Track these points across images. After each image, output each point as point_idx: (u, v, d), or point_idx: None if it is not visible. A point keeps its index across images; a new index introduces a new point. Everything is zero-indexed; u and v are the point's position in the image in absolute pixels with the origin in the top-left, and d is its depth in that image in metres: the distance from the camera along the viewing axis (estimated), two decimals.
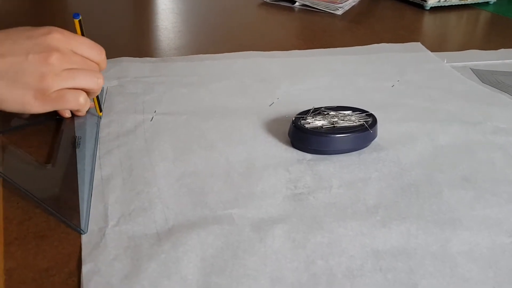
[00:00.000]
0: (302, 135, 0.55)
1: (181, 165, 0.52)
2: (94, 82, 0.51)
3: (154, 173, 0.50)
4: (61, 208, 0.43)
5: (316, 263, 0.40)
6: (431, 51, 0.90)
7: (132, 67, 0.74)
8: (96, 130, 0.56)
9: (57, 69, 0.47)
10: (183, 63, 0.78)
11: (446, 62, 0.86)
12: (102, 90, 0.62)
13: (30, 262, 0.38)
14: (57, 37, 0.48)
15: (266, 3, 1.21)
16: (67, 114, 0.58)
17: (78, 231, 0.41)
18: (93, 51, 0.52)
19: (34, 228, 0.41)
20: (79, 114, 0.58)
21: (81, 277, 0.37)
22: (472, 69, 0.84)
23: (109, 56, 0.77)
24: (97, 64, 0.53)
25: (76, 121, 0.57)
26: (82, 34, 0.54)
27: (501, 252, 0.42)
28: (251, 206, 0.46)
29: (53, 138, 0.55)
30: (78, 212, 0.42)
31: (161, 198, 0.46)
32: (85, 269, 0.38)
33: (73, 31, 0.53)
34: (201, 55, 0.83)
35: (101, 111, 0.59)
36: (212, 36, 0.97)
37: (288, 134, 0.57)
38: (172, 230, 0.42)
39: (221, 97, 0.67)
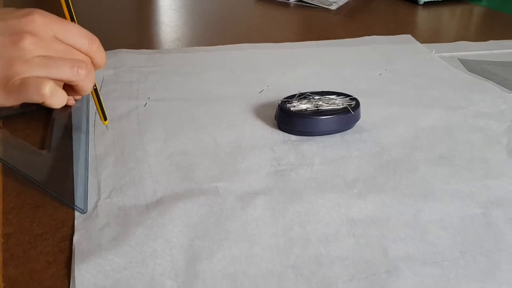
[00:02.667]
0: (287, 118, 0.58)
1: (171, 145, 0.54)
2: (73, 72, 0.42)
3: (145, 152, 0.53)
4: (62, 191, 0.45)
5: (293, 229, 0.43)
6: (422, 43, 0.92)
7: (129, 58, 0.77)
8: (87, 118, 0.58)
9: (28, 55, 0.40)
10: (178, 55, 0.81)
11: (435, 53, 0.88)
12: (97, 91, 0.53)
13: (26, 228, 0.41)
14: (37, 19, 0.41)
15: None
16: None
17: (80, 212, 0.43)
18: (81, 39, 0.44)
19: (30, 199, 0.44)
20: (52, 106, 0.44)
21: (73, 241, 0.40)
22: (459, 59, 0.86)
23: (107, 48, 0.80)
24: (88, 55, 0.45)
25: (70, 109, 0.59)
26: (71, 18, 0.46)
27: (470, 221, 0.45)
28: (236, 180, 0.49)
29: (46, 125, 0.56)
30: (80, 196, 0.45)
31: (151, 174, 0.49)
32: (77, 234, 0.41)
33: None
34: (195, 47, 0.86)
35: (105, 119, 0.51)
36: (208, 31, 1.00)
37: (275, 117, 0.60)
38: (160, 200, 0.45)
39: (213, 85, 0.70)
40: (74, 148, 0.52)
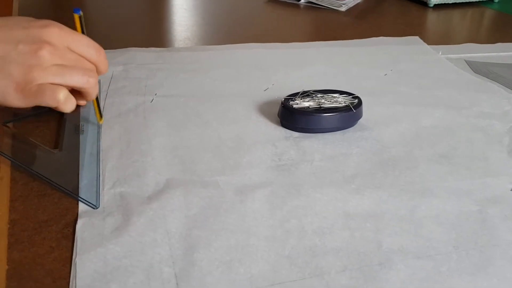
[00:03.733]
0: (290, 115, 0.59)
1: (175, 139, 0.56)
2: (84, 81, 0.47)
3: (150, 145, 0.54)
4: (76, 188, 0.46)
5: (290, 221, 0.44)
6: (430, 45, 0.93)
7: (138, 55, 0.79)
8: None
9: (46, 63, 0.45)
10: (186, 53, 0.82)
11: (441, 54, 0.88)
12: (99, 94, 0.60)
13: (32, 214, 0.42)
14: (54, 31, 0.45)
15: (273, 0, 1.25)
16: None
17: (92, 207, 0.44)
18: (90, 49, 0.49)
19: (37, 188, 0.46)
20: (64, 111, 0.49)
21: (76, 228, 0.41)
22: (466, 61, 0.86)
23: (117, 46, 0.83)
24: (94, 64, 0.50)
25: (80, 109, 0.60)
26: (82, 31, 0.51)
27: (466, 218, 0.45)
28: (236, 174, 0.50)
29: (58, 125, 0.57)
30: (94, 191, 0.46)
31: (154, 166, 0.51)
32: (80, 221, 0.42)
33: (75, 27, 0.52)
34: (204, 46, 0.87)
35: (101, 117, 0.57)
36: (217, 30, 1.01)
37: (278, 114, 0.61)
38: (162, 192, 0.46)
39: (219, 83, 0.71)
40: (84, 145, 0.53)
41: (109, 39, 0.90)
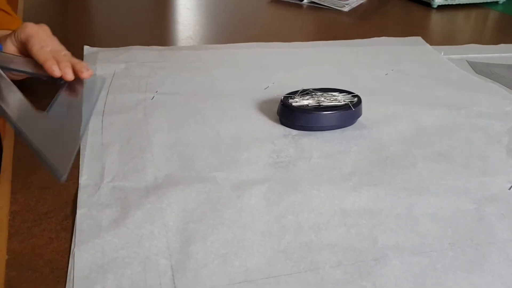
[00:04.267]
0: (289, 112, 0.59)
1: (175, 136, 0.56)
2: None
3: (149, 142, 0.55)
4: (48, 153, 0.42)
5: (286, 217, 0.44)
6: (432, 46, 0.93)
7: (140, 54, 0.80)
8: (95, 94, 0.61)
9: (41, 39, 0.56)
10: (188, 51, 0.83)
11: (443, 55, 0.88)
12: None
13: (32, 207, 0.43)
14: (45, 28, 0.58)
15: (276, 1, 1.26)
16: (56, 74, 0.56)
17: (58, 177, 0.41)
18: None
19: (37, 181, 0.46)
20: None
21: (75, 219, 0.42)
22: (468, 61, 0.87)
23: (120, 44, 0.83)
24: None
25: (76, 84, 0.59)
26: None
27: (462, 216, 0.46)
28: (234, 171, 0.50)
29: (54, 92, 0.55)
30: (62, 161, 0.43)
31: (153, 162, 0.51)
32: (79, 212, 0.43)
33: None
34: (205, 45, 0.88)
35: None
36: (220, 30, 1.02)
37: (277, 112, 0.61)
38: (160, 187, 0.47)
39: (220, 81, 0.72)
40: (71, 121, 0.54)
41: (112, 37, 0.90)
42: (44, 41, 0.58)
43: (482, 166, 0.54)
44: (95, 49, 0.80)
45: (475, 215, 0.46)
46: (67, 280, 0.36)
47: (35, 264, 0.37)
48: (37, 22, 0.60)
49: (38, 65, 0.57)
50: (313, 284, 0.37)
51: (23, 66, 0.57)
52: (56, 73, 0.56)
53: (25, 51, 0.58)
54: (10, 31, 0.61)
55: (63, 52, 0.60)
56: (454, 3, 1.27)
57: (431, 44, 0.94)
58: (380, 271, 0.38)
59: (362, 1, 1.28)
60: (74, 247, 0.39)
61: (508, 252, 0.41)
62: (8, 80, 0.50)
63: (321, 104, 0.60)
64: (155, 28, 1.01)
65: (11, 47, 0.59)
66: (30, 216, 0.42)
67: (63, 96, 0.56)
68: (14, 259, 0.37)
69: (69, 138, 0.50)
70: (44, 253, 0.38)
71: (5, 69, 0.54)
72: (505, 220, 0.45)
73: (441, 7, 1.27)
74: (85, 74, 0.58)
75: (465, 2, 1.29)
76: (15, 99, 0.48)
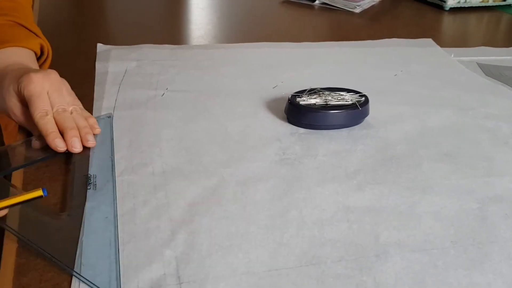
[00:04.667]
0: (296, 111, 0.60)
1: (183, 132, 0.57)
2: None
3: (158, 137, 0.56)
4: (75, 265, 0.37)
5: (290, 212, 0.45)
6: (443, 48, 0.93)
7: (152, 52, 0.81)
8: (111, 165, 0.50)
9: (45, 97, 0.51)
10: (199, 50, 0.84)
11: (453, 57, 0.88)
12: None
13: (44, 199, 0.44)
14: (54, 77, 0.52)
15: (288, 1, 1.26)
16: (61, 149, 0.50)
17: None
18: (70, 98, 0.53)
19: (48, 173, 0.48)
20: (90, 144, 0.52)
21: (84, 212, 0.43)
22: (478, 63, 0.86)
23: (133, 42, 0.85)
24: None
25: (86, 156, 0.51)
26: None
27: (465, 215, 0.46)
28: (240, 167, 0.51)
29: (65, 175, 0.49)
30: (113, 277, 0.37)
31: (162, 157, 0.52)
32: (88, 205, 0.44)
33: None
34: (216, 44, 0.89)
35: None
36: (231, 30, 1.03)
37: (285, 110, 0.62)
38: (167, 181, 0.48)
39: (229, 80, 0.73)
40: (97, 204, 0.44)
41: (125, 35, 0.92)
42: (47, 104, 0.51)
43: (488, 166, 0.54)
44: (108, 46, 0.82)
45: (478, 214, 0.46)
46: (75, 267, 0.37)
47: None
48: (51, 19, 0.60)
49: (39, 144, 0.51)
50: (314, 278, 0.38)
51: (30, 154, 0.51)
52: (60, 148, 0.49)
53: (26, 104, 0.51)
54: (24, 49, 0.58)
55: (71, 108, 0.53)
56: (466, 6, 1.27)
57: (442, 46, 0.94)
58: (380, 267, 0.39)
59: (373, 3, 1.28)
60: (82, 236, 0.40)
61: (510, 251, 0.41)
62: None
63: (328, 103, 0.60)
64: (168, 27, 1.03)
65: (14, 98, 0.51)
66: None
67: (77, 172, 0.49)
68: (23, 247, 0.39)
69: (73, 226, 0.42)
70: (54, 241, 0.39)
71: (14, 169, 0.48)
72: (509, 220, 0.45)
73: (453, 10, 1.26)
74: (90, 143, 0.52)
75: (477, 5, 1.29)
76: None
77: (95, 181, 0.47)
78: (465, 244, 0.42)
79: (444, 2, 1.25)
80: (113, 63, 0.75)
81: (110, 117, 0.59)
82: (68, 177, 0.48)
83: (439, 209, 0.46)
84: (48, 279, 0.36)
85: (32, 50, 0.60)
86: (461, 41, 1.03)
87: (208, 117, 0.61)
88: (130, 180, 0.48)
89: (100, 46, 0.82)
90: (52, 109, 0.51)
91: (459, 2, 1.26)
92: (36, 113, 0.50)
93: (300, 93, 0.62)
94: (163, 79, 0.71)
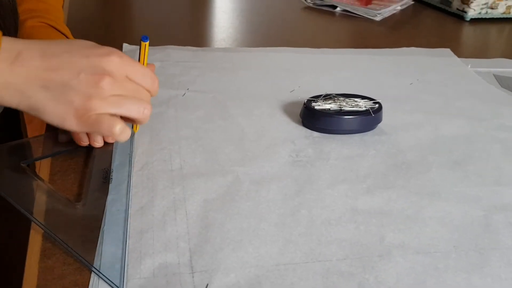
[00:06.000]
0: (311, 115, 0.62)
1: (202, 131, 0.60)
2: (140, 112, 0.47)
3: (178, 135, 0.59)
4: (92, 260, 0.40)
5: (300, 211, 0.47)
6: (461, 58, 0.94)
7: (175, 53, 0.84)
8: (129, 161, 0.53)
9: (105, 94, 0.45)
10: (220, 53, 0.87)
11: (470, 67, 0.89)
12: None
13: (68, 187, 0.47)
14: (115, 60, 0.45)
15: (309, 8, 1.28)
16: (84, 143, 0.54)
17: (113, 286, 0.38)
18: (147, 79, 0.48)
19: (74, 165, 0.51)
20: (111, 140, 0.55)
21: (106, 203, 0.46)
22: (495, 75, 0.87)
23: (158, 43, 0.88)
24: (149, 92, 0.49)
25: (107, 150, 0.55)
26: (144, 58, 0.53)
27: (470, 221, 0.47)
28: (255, 166, 0.53)
29: (84, 167, 0.52)
30: (117, 268, 0.39)
31: (180, 154, 0.55)
32: (109, 198, 0.47)
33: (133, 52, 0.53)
34: (237, 47, 0.92)
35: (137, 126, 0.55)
36: (253, 33, 1.06)
37: (300, 114, 0.64)
38: (185, 177, 0.51)
39: (248, 82, 0.75)
40: (111, 197, 0.47)
41: (150, 36, 0.95)
42: None
43: (497, 175, 0.55)
44: (133, 47, 0.85)
45: (483, 221, 0.47)
46: (96, 254, 0.39)
47: None
48: (79, 20, 0.63)
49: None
50: (319, 273, 0.40)
51: (52, 146, 0.55)
52: (84, 143, 0.54)
53: None
54: None
55: None
56: (487, 17, 1.27)
57: (460, 57, 0.95)
58: (383, 266, 0.41)
59: (394, 11, 1.29)
60: (104, 226, 0.43)
61: (511, 257, 0.43)
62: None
63: (342, 108, 0.62)
64: (192, 29, 1.06)
65: None
66: (66, 196, 0.46)
67: (96, 166, 0.52)
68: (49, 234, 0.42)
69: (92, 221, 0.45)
70: (78, 228, 0.42)
71: (39, 159, 0.53)
72: None
73: (474, 20, 1.27)
74: (111, 139, 0.55)
75: (499, 16, 1.29)
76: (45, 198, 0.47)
77: (111, 176, 0.50)
78: (467, 249, 0.44)
79: (465, 12, 1.25)
80: None
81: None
82: (87, 170, 0.51)
83: (445, 215, 0.48)
84: (71, 263, 0.39)
85: None
86: (480, 52, 1.03)
87: (226, 117, 0.64)
88: (149, 174, 0.51)
89: (125, 46, 0.85)
90: None
91: (480, 13, 1.26)
92: None
93: (316, 98, 0.64)
94: (184, 80, 0.74)
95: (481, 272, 0.41)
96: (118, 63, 0.45)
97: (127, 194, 0.48)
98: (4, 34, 0.42)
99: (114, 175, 0.50)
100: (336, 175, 0.53)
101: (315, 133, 0.61)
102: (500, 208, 0.50)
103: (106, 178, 0.49)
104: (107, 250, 0.40)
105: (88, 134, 0.53)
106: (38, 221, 0.43)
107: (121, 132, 0.46)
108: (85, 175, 0.50)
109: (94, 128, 0.45)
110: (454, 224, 0.47)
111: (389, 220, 0.47)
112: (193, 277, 0.38)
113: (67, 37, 0.65)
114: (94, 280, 0.38)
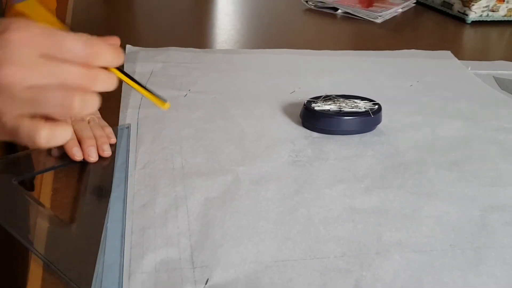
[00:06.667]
0: (311, 116, 0.63)
1: (202, 131, 0.61)
2: (64, 108, 0.34)
3: (179, 135, 0.59)
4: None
5: (298, 210, 0.48)
6: (461, 60, 0.94)
7: (177, 54, 0.85)
8: (125, 175, 0.51)
9: (12, 89, 0.33)
10: (221, 55, 0.88)
11: (470, 69, 0.90)
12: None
13: (73, 185, 0.48)
14: (15, 39, 0.32)
15: (311, 10, 1.29)
16: (78, 158, 0.51)
17: None
18: (73, 47, 0.34)
19: (69, 181, 0.51)
20: (53, 146, 0.47)
21: (109, 201, 0.47)
22: (494, 77, 0.88)
23: (160, 45, 0.89)
24: (87, 64, 0.34)
25: (103, 165, 0.52)
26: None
27: (467, 221, 0.48)
28: (254, 166, 0.54)
29: (78, 184, 0.50)
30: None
31: (181, 154, 0.56)
32: (112, 195, 0.48)
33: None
34: (238, 49, 0.93)
35: (164, 101, 0.45)
36: (254, 35, 1.07)
37: (300, 115, 0.65)
38: (185, 176, 0.51)
39: (248, 83, 0.76)
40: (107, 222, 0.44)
41: (153, 38, 0.96)
42: None
43: (493, 176, 0.56)
44: (136, 48, 0.86)
45: (479, 221, 0.48)
46: (99, 249, 0.40)
47: None
48: (83, 21, 0.64)
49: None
50: (316, 270, 0.41)
51: (43, 164, 0.52)
52: (77, 157, 0.50)
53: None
54: None
55: (88, 117, 0.54)
56: (488, 20, 1.28)
57: (460, 59, 0.95)
58: (380, 264, 0.42)
59: (396, 14, 1.30)
60: (107, 222, 0.44)
61: (506, 256, 0.43)
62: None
63: (342, 109, 0.63)
64: (194, 31, 1.07)
65: None
66: (70, 194, 0.47)
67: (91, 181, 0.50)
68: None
69: (90, 244, 0.42)
70: (81, 224, 0.43)
71: (33, 175, 0.51)
72: (508, 228, 0.47)
73: (475, 23, 1.27)
74: (106, 153, 0.52)
75: (500, 19, 1.29)
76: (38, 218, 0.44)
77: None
78: (463, 247, 0.44)
79: (466, 15, 1.26)
80: (140, 64, 0.79)
81: (128, 127, 0.60)
82: (82, 186, 0.49)
83: (442, 214, 0.49)
84: None
85: None
86: (480, 55, 1.04)
87: (226, 117, 0.65)
88: (151, 173, 0.52)
89: (129, 48, 0.86)
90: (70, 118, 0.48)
91: (481, 16, 1.27)
92: None
93: (316, 99, 0.65)
94: (186, 81, 0.75)
95: (476, 271, 0.42)
96: (19, 42, 0.32)
97: (124, 211, 0.45)
98: None
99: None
100: (334, 175, 0.54)
101: (315, 134, 0.62)
102: (497, 208, 0.50)
103: (102, 195, 0.47)
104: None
105: (81, 147, 0.51)
106: (30, 245, 0.40)
107: (48, 139, 0.34)
108: (79, 192, 0.48)
109: (14, 138, 0.35)
110: (450, 223, 0.48)
111: (387, 219, 0.47)
112: (193, 272, 0.39)
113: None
114: (98, 272, 0.39)
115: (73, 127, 0.51)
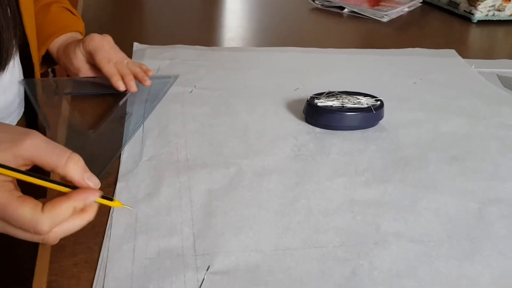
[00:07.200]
0: (313, 111, 0.64)
1: (207, 126, 0.62)
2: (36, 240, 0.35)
3: (184, 129, 0.61)
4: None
5: (299, 201, 0.49)
6: (465, 59, 0.95)
7: (184, 52, 0.87)
8: (163, 91, 0.68)
9: None
10: (227, 52, 0.89)
11: (474, 68, 0.91)
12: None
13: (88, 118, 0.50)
14: None
15: (317, 9, 1.30)
16: (121, 88, 0.65)
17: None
18: (25, 224, 0.34)
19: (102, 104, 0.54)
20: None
21: (115, 190, 0.48)
22: (498, 75, 0.88)
23: (168, 42, 0.91)
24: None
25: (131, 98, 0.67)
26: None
27: (464, 213, 0.49)
28: (257, 159, 0.56)
29: (106, 109, 0.64)
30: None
31: (186, 147, 0.57)
32: (119, 185, 0.49)
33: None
34: (244, 47, 0.94)
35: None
36: (260, 34, 1.08)
37: (303, 111, 0.66)
38: (190, 168, 0.53)
39: (254, 80, 0.77)
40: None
41: (160, 35, 0.98)
42: (109, 54, 0.66)
43: (493, 171, 0.57)
44: (143, 46, 0.88)
45: (476, 213, 0.49)
46: (105, 236, 0.42)
47: None
48: (93, 19, 0.68)
49: (101, 82, 0.67)
50: (315, 259, 0.42)
51: (92, 88, 0.69)
52: (121, 88, 0.65)
53: (91, 59, 0.67)
54: (75, 33, 0.73)
55: (126, 61, 0.68)
56: (494, 19, 1.28)
57: (465, 58, 0.96)
58: (378, 253, 0.43)
59: (402, 13, 1.30)
60: (113, 211, 0.45)
61: (501, 247, 0.44)
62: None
63: (344, 105, 0.64)
64: (201, 29, 1.09)
65: (80, 56, 0.68)
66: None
67: (120, 107, 0.65)
68: None
69: (107, 153, 0.55)
70: None
71: (78, 94, 0.68)
72: (505, 220, 0.48)
73: (481, 22, 1.28)
74: (147, 83, 0.66)
75: (506, 19, 1.30)
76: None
77: (130, 119, 0.61)
78: (460, 238, 0.45)
79: (472, 14, 1.26)
80: (148, 61, 0.81)
81: (176, 77, 0.74)
82: (113, 107, 0.63)
83: (440, 206, 0.50)
84: (82, 242, 0.42)
85: (79, 32, 0.76)
86: (485, 54, 1.05)
87: (231, 113, 0.66)
88: (157, 165, 0.53)
89: (136, 45, 0.88)
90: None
91: (487, 15, 1.27)
92: (102, 62, 0.65)
93: (319, 95, 0.66)
94: (192, 78, 0.76)
95: (472, 260, 0.43)
96: None
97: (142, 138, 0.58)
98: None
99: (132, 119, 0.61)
100: (335, 169, 0.55)
101: (317, 129, 0.63)
102: (495, 201, 0.51)
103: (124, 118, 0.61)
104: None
105: (124, 81, 0.65)
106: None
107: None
108: (107, 112, 0.62)
109: None
110: (448, 215, 0.49)
111: (385, 210, 0.48)
112: (195, 259, 0.41)
113: (73, 14, 0.78)
114: (103, 257, 0.40)
115: (115, 68, 0.66)
